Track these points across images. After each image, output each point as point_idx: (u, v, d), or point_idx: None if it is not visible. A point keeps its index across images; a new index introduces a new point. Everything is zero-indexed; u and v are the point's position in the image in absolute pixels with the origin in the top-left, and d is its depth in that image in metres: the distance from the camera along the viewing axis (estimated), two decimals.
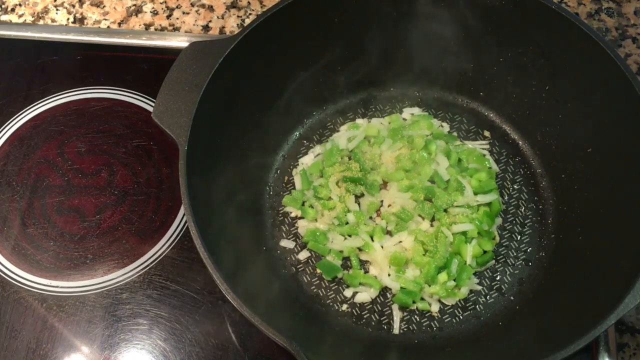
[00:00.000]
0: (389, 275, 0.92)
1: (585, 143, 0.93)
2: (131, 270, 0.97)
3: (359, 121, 1.05)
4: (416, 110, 1.05)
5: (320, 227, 0.96)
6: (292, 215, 0.98)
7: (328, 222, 0.96)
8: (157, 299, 0.94)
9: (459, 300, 0.91)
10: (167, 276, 0.96)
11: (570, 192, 0.95)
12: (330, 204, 0.96)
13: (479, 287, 0.92)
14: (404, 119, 1.05)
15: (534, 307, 0.89)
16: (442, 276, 0.91)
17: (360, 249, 0.94)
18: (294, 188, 1.00)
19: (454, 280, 0.91)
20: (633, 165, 0.85)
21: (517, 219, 0.97)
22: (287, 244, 0.96)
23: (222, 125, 0.92)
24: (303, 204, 0.98)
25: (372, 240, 0.94)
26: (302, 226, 0.97)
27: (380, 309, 0.92)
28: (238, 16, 1.19)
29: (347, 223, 0.96)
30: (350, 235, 0.95)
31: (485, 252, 0.94)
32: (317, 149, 1.03)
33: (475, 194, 0.96)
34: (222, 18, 1.19)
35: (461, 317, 0.91)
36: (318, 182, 0.99)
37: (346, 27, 0.99)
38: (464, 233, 0.93)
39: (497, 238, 0.95)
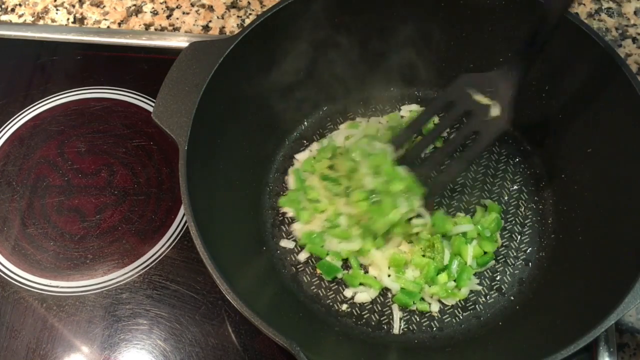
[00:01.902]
0: (388, 275, 0.92)
1: (585, 143, 0.93)
2: (131, 270, 0.97)
3: (359, 119, 1.05)
4: (414, 107, 1.05)
5: (315, 228, 0.95)
6: (291, 215, 0.98)
7: (320, 224, 0.95)
8: (157, 299, 0.94)
9: (459, 300, 0.91)
10: (167, 276, 0.96)
11: (570, 192, 0.95)
12: (320, 207, 0.96)
13: (479, 287, 0.92)
14: (402, 117, 1.04)
15: (534, 307, 0.89)
16: (442, 277, 0.91)
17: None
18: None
19: (454, 280, 0.91)
20: (633, 165, 0.85)
21: (517, 219, 0.97)
22: (287, 244, 0.96)
23: (222, 125, 0.92)
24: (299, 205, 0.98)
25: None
26: (297, 229, 0.97)
27: (380, 309, 0.92)
28: (238, 16, 1.19)
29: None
30: (345, 238, 0.94)
31: (485, 252, 0.94)
32: (315, 145, 1.03)
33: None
34: (222, 18, 1.19)
35: (461, 317, 0.91)
36: (309, 181, 0.98)
37: (346, 27, 0.99)
38: (464, 234, 0.93)
39: (499, 241, 0.95)
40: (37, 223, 1.01)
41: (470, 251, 0.92)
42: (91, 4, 1.22)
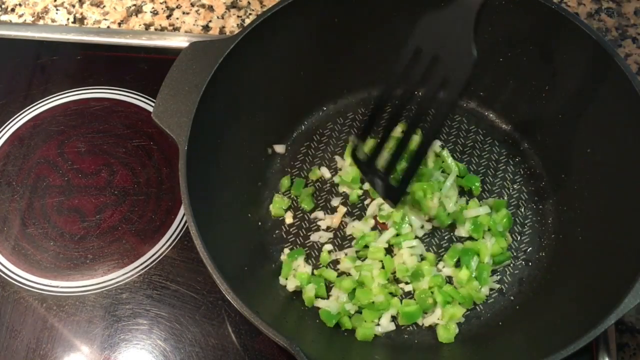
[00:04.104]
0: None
1: (585, 143, 0.93)
2: (131, 270, 0.97)
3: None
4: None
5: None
6: (290, 222, 0.98)
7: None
8: (157, 299, 0.94)
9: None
10: (167, 276, 0.96)
11: (570, 192, 0.95)
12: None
13: (498, 286, 0.92)
14: None
15: (534, 307, 0.89)
16: (464, 272, 0.90)
17: None
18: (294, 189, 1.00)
19: (476, 279, 0.90)
20: (633, 165, 0.85)
21: (517, 219, 0.97)
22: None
23: (222, 125, 0.92)
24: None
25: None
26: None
27: None
28: (238, 16, 1.19)
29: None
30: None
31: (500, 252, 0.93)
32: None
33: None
34: (222, 18, 1.19)
35: (461, 317, 0.90)
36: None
37: (346, 27, 0.99)
38: (476, 221, 0.93)
39: (509, 238, 0.95)
40: (37, 223, 1.01)
41: (489, 247, 0.92)
42: (91, 4, 1.22)
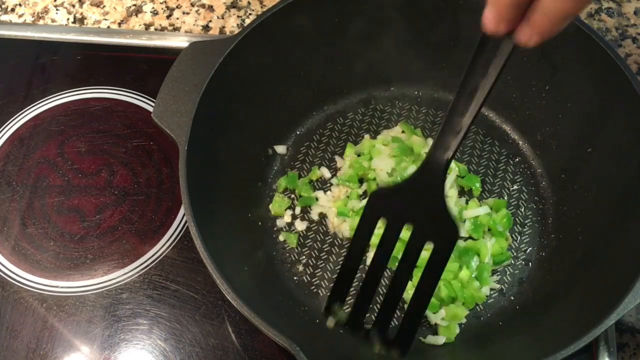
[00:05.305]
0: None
1: (585, 143, 0.93)
2: (131, 270, 0.97)
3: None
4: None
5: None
6: (288, 221, 0.98)
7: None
8: (157, 299, 0.94)
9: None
10: (167, 276, 0.96)
11: (570, 192, 0.95)
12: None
13: (498, 286, 0.92)
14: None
15: (534, 307, 0.89)
16: (464, 272, 0.90)
17: None
18: (295, 190, 1.00)
19: (477, 279, 0.91)
20: (633, 165, 0.85)
21: (517, 219, 0.97)
22: (287, 241, 0.96)
23: (222, 125, 0.92)
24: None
25: None
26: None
27: None
28: (238, 16, 1.19)
29: None
30: None
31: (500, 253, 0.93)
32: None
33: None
34: (222, 18, 1.19)
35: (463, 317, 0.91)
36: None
37: (346, 27, 0.99)
38: (476, 221, 0.93)
39: (510, 238, 0.95)
40: (37, 223, 1.01)
41: (489, 247, 0.92)
42: (91, 4, 1.22)
